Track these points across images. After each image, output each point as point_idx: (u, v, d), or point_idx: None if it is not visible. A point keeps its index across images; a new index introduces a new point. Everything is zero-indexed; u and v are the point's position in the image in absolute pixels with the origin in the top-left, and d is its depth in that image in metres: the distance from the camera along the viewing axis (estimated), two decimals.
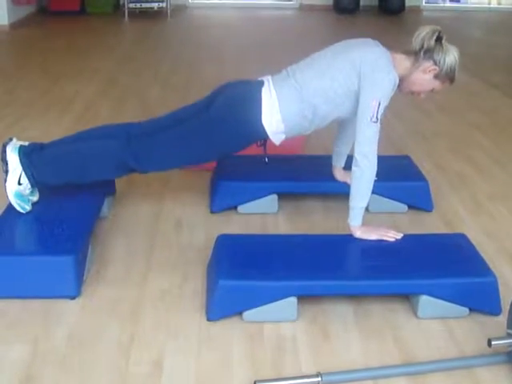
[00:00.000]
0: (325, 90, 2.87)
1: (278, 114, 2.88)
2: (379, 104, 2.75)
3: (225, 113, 2.93)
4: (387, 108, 2.84)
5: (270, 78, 3.01)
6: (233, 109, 2.94)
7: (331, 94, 2.86)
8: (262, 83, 2.96)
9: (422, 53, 2.85)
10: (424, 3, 11.99)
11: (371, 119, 2.75)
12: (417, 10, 11.71)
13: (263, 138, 3.01)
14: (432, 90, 2.98)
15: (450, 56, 2.86)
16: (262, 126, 2.89)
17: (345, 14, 10.97)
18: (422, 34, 2.85)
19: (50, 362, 2.29)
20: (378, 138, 2.79)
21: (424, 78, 2.90)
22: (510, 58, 8.18)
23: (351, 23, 10.39)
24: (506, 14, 11.82)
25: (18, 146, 2.94)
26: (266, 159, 3.22)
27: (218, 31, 9.43)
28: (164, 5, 10.36)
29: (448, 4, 12.26)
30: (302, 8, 11.57)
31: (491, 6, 12.25)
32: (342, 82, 2.84)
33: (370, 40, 3.03)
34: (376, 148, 2.78)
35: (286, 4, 11.80)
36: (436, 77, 2.89)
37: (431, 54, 2.84)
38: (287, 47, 8.22)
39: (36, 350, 2.34)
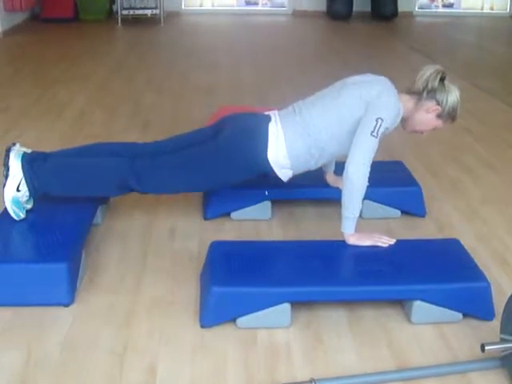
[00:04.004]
0: (331, 127, 2.91)
1: (283, 150, 2.92)
2: (382, 121, 2.78)
3: (231, 144, 2.97)
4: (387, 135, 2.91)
5: (276, 113, 3.05)
6: (239, 141, 2.97)
7: (338, 132, 2.91)
8: (269, 118, 3.00)
9: (425, 93, 2.91)
10: (417, 9, 12.04)
11: (371, 133, 2.78)
12: (409, 15, 11.76)
13: (267, 172, 3.01)
14: (434, 129, 3.05)
15: (453, 96, 2.92)
16: (267, 159, 2.93)
17: (338, 19, 11.00)
18: (427, 75, 2.91)
19: (43, 369, 2.28)
20: (374, 153, 2.81)
21: (427, 117, 2.97)
22: (502, 63, 8.21)
23: (344, 29, 10.42)
24: (499, 19, 11.87)
25: (22, 152, 2.96)
26: (267, 192, 3.34)
27: (211, 37, 9.44)
28: (157, 11, 10.37)
29: (441, 9, 12.30)
30: (295, 14, 11.60)
31: (484, 11, 12.30)
32: (349, 118, 2.87)
33: (379, 76, 3.06)
34: (370, 162, 2.80)
35: (279, 10, 11.82)
36: (438, 116, 2.96)
37: (434, 94, 2.91)
38: (280, 53, 8.25)
39: (29, 357, 2.34)
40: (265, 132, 2.93)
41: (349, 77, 3.08)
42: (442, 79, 2.91)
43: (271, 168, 2.96)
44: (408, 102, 2.96)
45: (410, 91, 2.97)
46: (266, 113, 3.07)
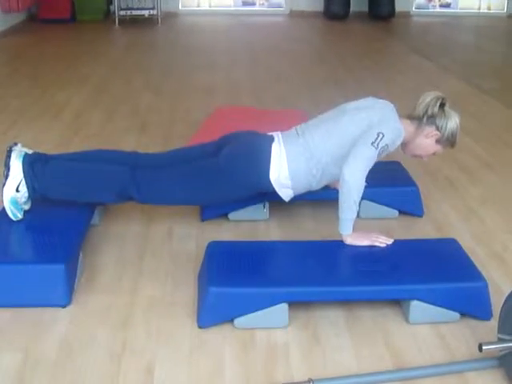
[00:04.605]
0: (332, 149, 2.94)
1: (285, 170, 2.95)
2: (383, 136, 2.82)
3: (233, 162, 2.98)
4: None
5: (279, 134, 3.08)
6: (242, 159, 2.99)
7: (339, 154, 2.92)
8: (272, 138, 3.03)
9: (425, 118, 2.97)
10: (414, 9, 12.04)
11: (372, 143, 2.82)
12: (407, 15, 11.76)
13: (268, 191, 3.03)
14: (434, 154, 3.10)
15: (452, 122, 2.98)
16: (268, 179, 2.95)
17: (335, 19, 10.99)
18: (427, 101, 2.97)
19: (40, 370, 2.28)
20: (371, 163, 2.84)
21: (426, 142, 3.03)
22: (500, 63, 8.22)
23: (341, 29, 10.42)
24: (496, 19, 11.87)
25: (23, 153, 2.96)
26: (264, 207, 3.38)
27: (208, 38, 9.44)
28: (155, 12, 10.36)
29: (438, 9, 12.30)
30: (292, 14, 11.60)
31: (481, 11, 12.30)
32: (351, 142, 2.89)
33: (381, 100, 3.10)
34: (366, 170, 2.82)
35: (276, 10, 11.81)
36: (438, 141, 3.02)
37: (434, 119, 2.97)
38: (278, 53, 8.25)
39: (27, 358, 2.34)
40: (268, 152, 2.95)
41: (351, 101, 3.12)
42: (442, 105, 2.97)
43: (272, 187, 2.99)
44: (409, 126, 3.00)
45: (411, 116, 3.03)
46: (269, 133, 3.09)
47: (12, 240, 2.93)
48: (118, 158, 3.11)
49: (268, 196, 3.22)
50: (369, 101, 3.09)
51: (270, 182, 2.95)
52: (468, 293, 2.58)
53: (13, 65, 7.35)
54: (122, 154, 3.21)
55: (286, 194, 3.04)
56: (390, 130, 2.87)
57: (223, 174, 2.97)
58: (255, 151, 2.99)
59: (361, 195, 2.82)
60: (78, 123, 5.05)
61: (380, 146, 2.82)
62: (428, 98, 2.98)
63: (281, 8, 11.81)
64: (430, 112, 2.95)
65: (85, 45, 8.62)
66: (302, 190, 3.05)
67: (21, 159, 2.92)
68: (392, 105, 3.05)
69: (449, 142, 3.03)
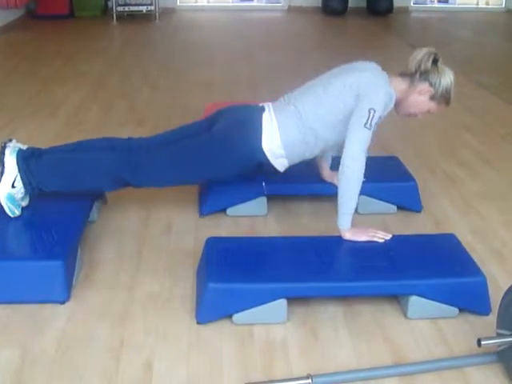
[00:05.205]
0: (325, 116, 2.91)
1: (278, 139, 2.93)
2: (374, 112, 2.78)
3: (226, 135, 2.97)
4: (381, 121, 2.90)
5: (270, 104, 3.06)
6: (234, 131, 2.98)
7: (332, 120, 2.91)
8: (262, 108, 3.02)
9: (417, 75, 2.92)
10: (412, 4, 12.03)
11: (365, 125, 2.78)
12: (405, 10, 11.75)
13: (262, 162, 3.01)
14: (428, 112, 3.03)
15: (446, 78, 2.92)
16: (261, 149, 2.94)
17: (333, 15, 10.98)
18: (419, 57, 2.91)
19: (39, 366, 2.28)
20: (368, 144, 2.81)
21: (420, 99, 2.96)
22: (498, 58, 8.21)
23: (340, 25, 10.40)
24: (494, 15, 11.86)
25: (17, 148, 2.95)
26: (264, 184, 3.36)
27: (206, 34, 9.42)
28: (152, 8, 10.35)
29: (436, 5, 12.30)
30: (291, 10, 11.58)
31: (479, 6, 12.29)
32: (342, 107, 2.88)
33: (368, 62, 3.06)
34: (365, 154, 2.80)
35: (275, 6, 11.80)
36: (432, 98, 2.95)
37: (427, 75, 2.91)
38: (276, 49, 8.23)
39: (26, 354, 2.33)
40: (259, 122, 2.94)
41: (339, 65, 3.08)
42: (434, 61, 2.90)
43: (266, 158, 2.97)
44: (400, 84, 2.95)
45: (403, 73, 2.97)
46: (260, 104, 3.07)
47: (10, 236, 2.93)
48: (111, 145, 3.09)
49: (266, 190, 3.22)
50: (357, 64, 3.04)
51: (263, 152, 2.94)
52: (467, 288, 2.58)
53: (10, 61, 7.33)
54: (114, 140, 3.19)
55: (280, 164, 3.02)
56: (380, 99, 2.83)
57: (216, 148, 2.96)
58: (246, 122, 2.98)
59: (360, 186, 2.80)
60: (77, 119, 5.04)
61: (373, 123, 2.78)
62: (420, 54, 2.91)
63: (279, 3, 11.80)
64: (422, 68, 2.89)
65: (83, 41, 8.61)
66: (296, 159, 3.04)
67: (15, 155, 2.92)
68: (380, 66, 3.00)
69: (443, 98, 2.95)
